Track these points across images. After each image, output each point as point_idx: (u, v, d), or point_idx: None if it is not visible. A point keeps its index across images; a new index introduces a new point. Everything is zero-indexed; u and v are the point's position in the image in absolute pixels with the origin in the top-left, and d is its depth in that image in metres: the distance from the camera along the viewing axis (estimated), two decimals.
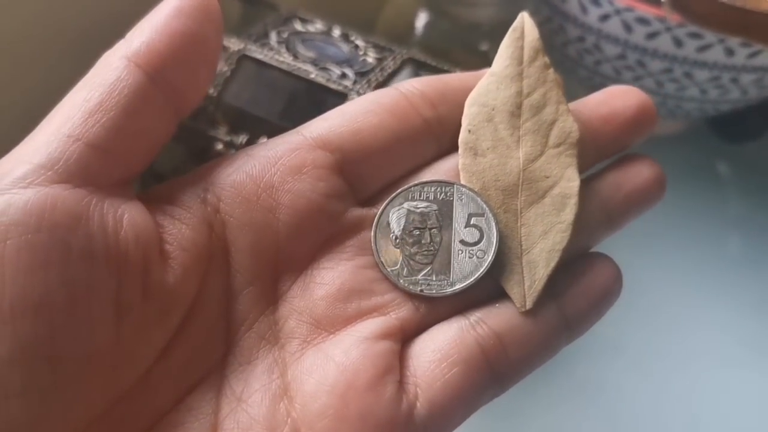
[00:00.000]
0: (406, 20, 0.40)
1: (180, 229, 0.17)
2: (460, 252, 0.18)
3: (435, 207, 0.19)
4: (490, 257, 0.18)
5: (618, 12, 0.32)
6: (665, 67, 0.34)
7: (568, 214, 0.18)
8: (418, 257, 0.18)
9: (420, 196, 0.19)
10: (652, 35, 0.32)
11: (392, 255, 0.18)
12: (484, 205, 0.18)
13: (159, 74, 0.16)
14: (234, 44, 0.28)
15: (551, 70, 0.20)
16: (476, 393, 0.17)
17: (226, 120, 0.27)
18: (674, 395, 0.32)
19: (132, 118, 0.16)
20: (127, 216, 0.16)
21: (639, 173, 0.20)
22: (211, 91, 0.27)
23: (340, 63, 0.28)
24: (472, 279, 0.18)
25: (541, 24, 0.20)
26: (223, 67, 0.27)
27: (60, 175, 0.15)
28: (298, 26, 0.30)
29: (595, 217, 0.19)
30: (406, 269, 0.18)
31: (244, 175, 0.18)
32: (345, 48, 0.29)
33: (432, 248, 0.18)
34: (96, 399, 0.15)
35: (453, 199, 0.19)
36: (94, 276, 0.15)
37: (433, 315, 0.18)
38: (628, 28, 0.33)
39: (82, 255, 0.14)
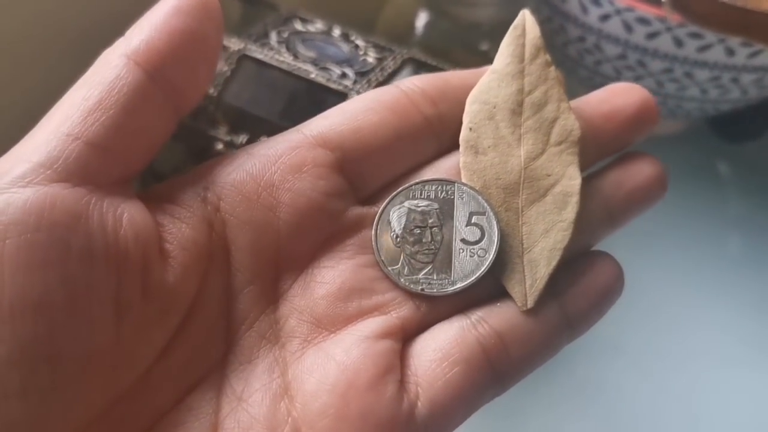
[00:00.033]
0: (406, 20, 0.40)
1: (180, 228, 0.17)
2: (461, 251, 0.18)
3: (436, 205, 0.18)
4: (491, 256, 0.18)
5: (618, 12, 0.32)
6: (666, 67, 0.34)
7: (570, 212, 0.18)
8: (419, 256, 0.18)
9: (421, 194, 0.19)
10: (652, 35, 0.32)
11: (393, 254, 0.18)
12: (485, 204, 0.18)
13: (158, 72, 0.16)
14: (234, 44, 0.28)
15: (552, 68, 0.20)
16: (477, 392, 0.17)
17: (227, 120, 0.27)
18: (674, 395, 0.32)
19: (131, 117, 0.16)
20: (127, 215, 0.16)
21: (640, 171, 0.20)
22: (211, 90, 0.27)
23: (340, 63, 0.28)
24: (473, 278, 0.18)
25: (542, 24, 0.20)
26: (223, 67, 0.27)
27: (59, 174, 0.15)
28: (299, 26, 0.30)
29: (596, 216, 0.19)
30: (406, 268, 0.18)
31: (245, 174, 0.18)
32: (345, 48, 0.29)
33: (433, 247, 0.18)
34: (96, 399, 0.15)
35: (454, 198, 0.18)
36: (93, 275, 0.15)
37: (434, 314, 0.18)
38: (628, 28, 0.33)
39: (81, 254, 0.14)
